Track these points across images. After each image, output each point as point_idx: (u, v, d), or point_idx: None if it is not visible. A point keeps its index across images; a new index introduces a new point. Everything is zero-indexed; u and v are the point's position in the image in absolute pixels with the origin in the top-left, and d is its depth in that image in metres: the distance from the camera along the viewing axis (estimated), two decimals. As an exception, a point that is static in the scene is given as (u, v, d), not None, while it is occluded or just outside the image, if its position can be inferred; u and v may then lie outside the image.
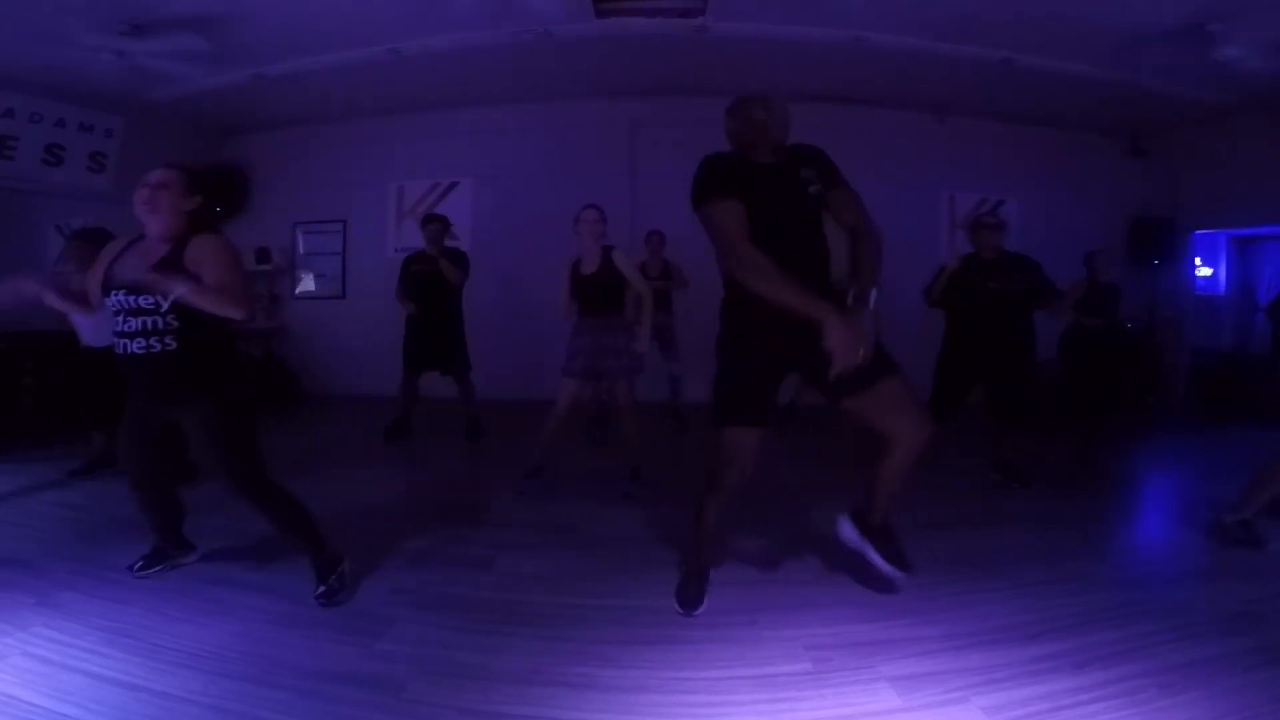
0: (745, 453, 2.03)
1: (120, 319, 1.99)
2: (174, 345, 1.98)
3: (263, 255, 6.48)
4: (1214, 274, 6.77)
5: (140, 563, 2.33)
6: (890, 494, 2.12)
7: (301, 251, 6.79)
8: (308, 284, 6.81)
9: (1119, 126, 6.27)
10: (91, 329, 3.44)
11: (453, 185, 6.49)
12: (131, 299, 1.96)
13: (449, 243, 4.63)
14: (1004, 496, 3.36)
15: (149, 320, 1.96)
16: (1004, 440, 3.52)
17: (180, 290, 1.87)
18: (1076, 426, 4.82)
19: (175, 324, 1.97)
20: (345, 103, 5.99)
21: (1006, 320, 3.37)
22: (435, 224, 4.50)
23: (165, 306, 1.95)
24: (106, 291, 2.00)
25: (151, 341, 1.96)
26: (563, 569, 2.48)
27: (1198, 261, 6.47)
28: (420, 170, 6.52)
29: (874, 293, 1.89)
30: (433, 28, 4.48)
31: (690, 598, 2.17)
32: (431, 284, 4.35)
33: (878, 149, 6.21)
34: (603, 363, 3.28)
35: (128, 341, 1.98)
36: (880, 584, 2.25)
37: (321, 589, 2.17)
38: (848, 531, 2.24)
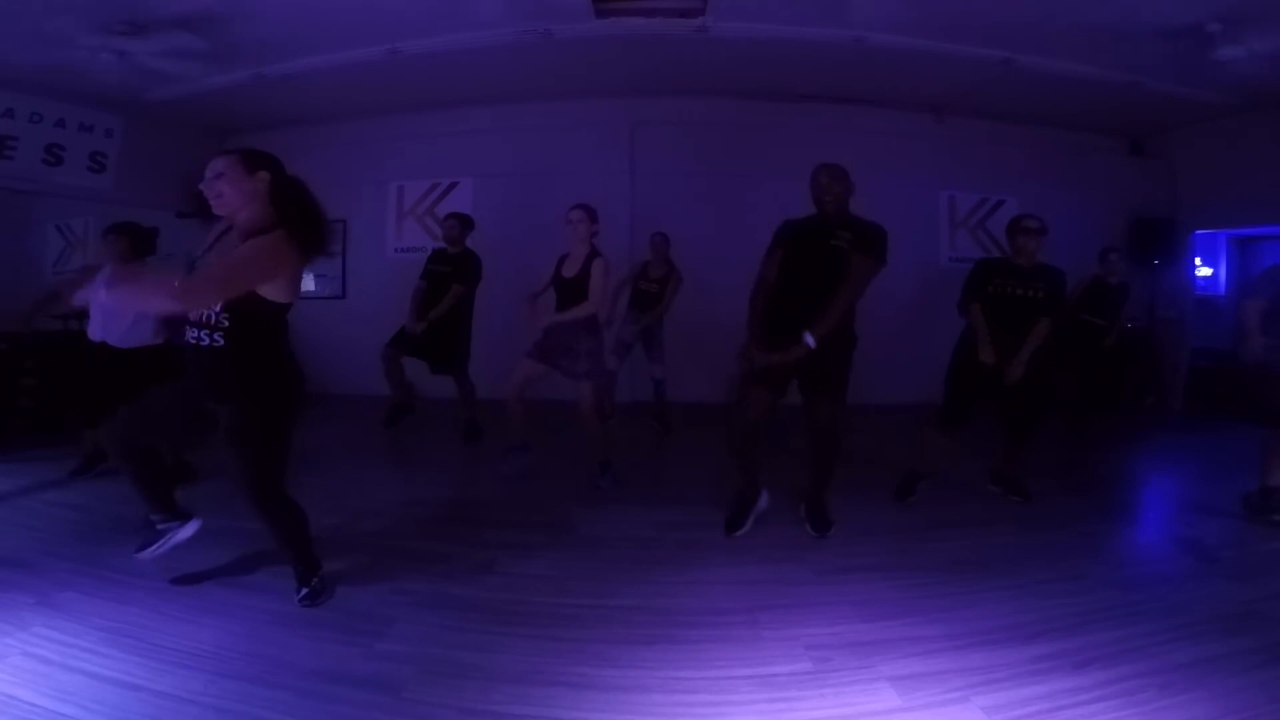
0: (760, 404, 2.75)
1: None
2: (222, 342, 1.94)
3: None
4: (1214, 274, 6.78)
5: (138, 545, 2.23)
6: (814, 480, 2.90)
7: (301, 251, 6.78)
8: (308, 284, 6.81)
9: (1119, 126, 6.27)
10: (101, 325, 3.44)
11: (453, 185, 6.49)
12: None
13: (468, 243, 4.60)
14: (1004, 498, 3.36)
15: (203, 314, 1.94)
16: (1009, 455, 3.39)
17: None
18: (1072, 426, 4.84)
19: (226, 322, 1.93)
20: (345, 103, 5.98)
21: (1023, 330, 3.16)
22: (452, 220, 4.49)
23: (218, 304, 1.93)
24: None
25: (202, 335, 1.94)
26: (563, 569, 2.48)
27: (1198, 261, 6.48)
28: (420, 170, 6.50)
29: (808, 336, 2.56)
30: (433, 28, 4.48)
31: (734, 522, 2.85)
32: (444, 285, 4.34)
33: (878, 149, 6.21)
34: (562, 360, 3.35)
35: (191, 329, 1.97)
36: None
37: (304, 591, 2.16)
38: (803, 510, 2.93)
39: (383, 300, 5.67)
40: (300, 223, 2.00)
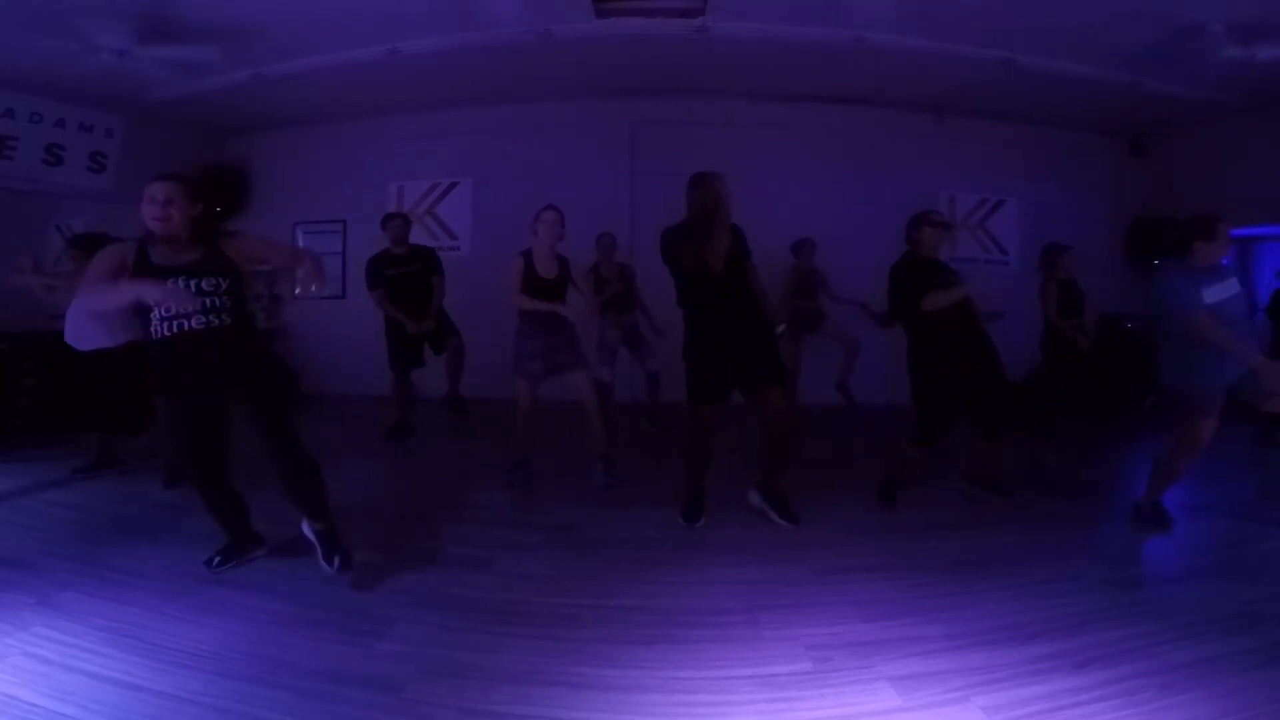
0: (709, 420, 2.89)
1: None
2: (229, 321, 2.18)
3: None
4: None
5: (216, 558, 2.40)
6: (774, 468, 2.96)
7: (302, 251, 6.80)
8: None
9: (1119, 126, 6.27)
10: (73, 329, 3.43)
11: (453, 185, 6.49)
12: (194, 282, 2.14)
13: (413, 241, 4.60)
14: (1003, 500, 3.34)
15: (209, 300, 2.15)
16: (980, 453, 3.33)
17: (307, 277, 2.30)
18: (1070, 427, 4.83)
19: (229, 303, 2.19)
20: (345, 103, 5.98)
21: (977, 322, 3.13)
22: (398, 220, 4.46)
23: (224, 288, 2.18)
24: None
25: (211, 318, 2.15)
26: (562, 569, 2.48)
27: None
28: (420, 170, 6.51)
29: (780, 326, 3.06)
30: (433, 28, 4.48)
31: (692, 512, 2.96)
32: (414, 286, 4.31)
33: (878, 149, 6.23)
34: (555, 359, 3.41)
35: (185, 321, 2.12)
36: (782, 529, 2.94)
37: (337, 559, 2.31)
38: (754, 498, 3.03)
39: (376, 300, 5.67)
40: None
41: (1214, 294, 2.73)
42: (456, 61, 5.00)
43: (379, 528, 2.88)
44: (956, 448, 3.60)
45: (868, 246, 5.71)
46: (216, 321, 2.15)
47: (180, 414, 2.24)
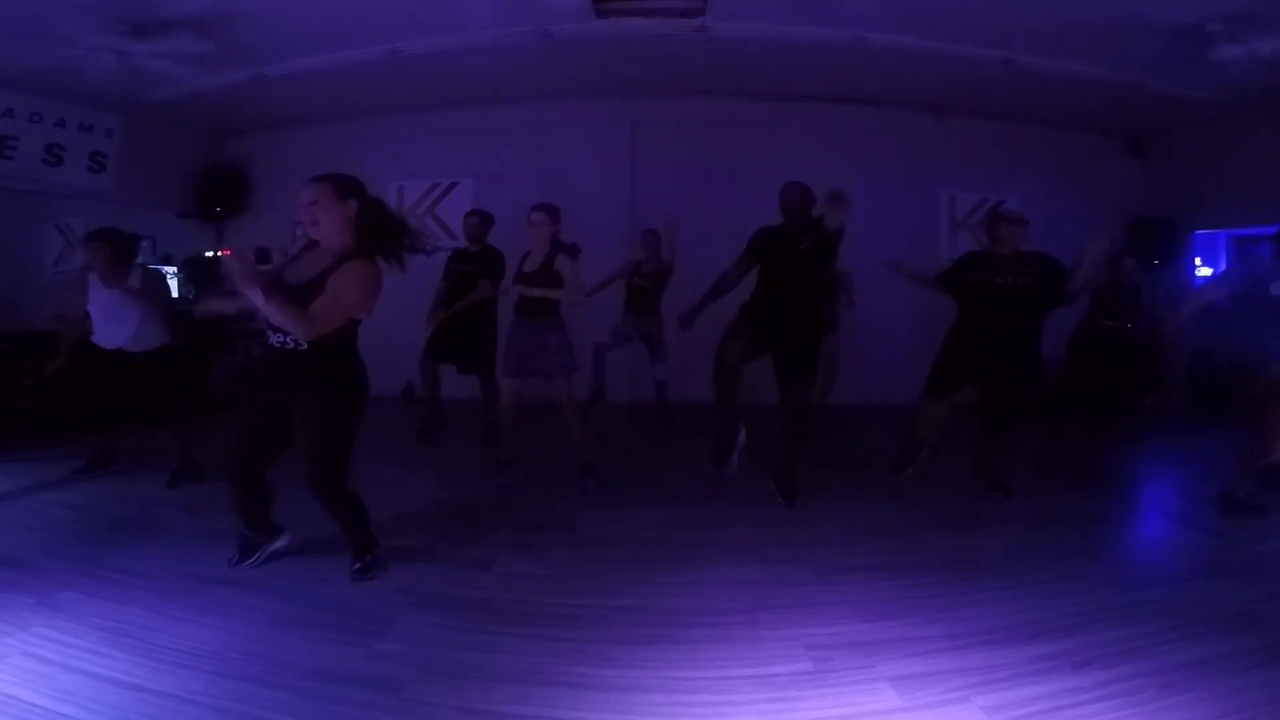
0: (736, 350, 3.12)
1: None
2: (304, 347, 2.14)
3: (263, 255, 6.43)
4: (1214, 274, 6.76)
5: (236, 556, 2.40)
6: (786, 450, 3.20)
7: (302, 251, 6.78)
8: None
9: (1119, 126, 6.26)
10: (104, 328, 3.44)
11: (453, 185, 6.48)
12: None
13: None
14: (1003, 497, 3.35)
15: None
16: (989, 448, 3.39)
17: (254, 295, 1.99)
18: (1078, 425, 4.84)
19: None
20: (345, 103, 5.97)
21: (1013, 319, 3.16)
22: (474, 217, 4.40)
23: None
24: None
25: (287, 339, 2.15)
26: (562, 569, 2.48)
27: (1198, 261, 6.47)
28: (420, 170, 6.50)
29: None
30: (433, 28, 4.48)
31: (720, 454, 3.20)
32: (469, 284, 4.24)
33: (878, 149, 6.22)
34: (535, 362, 3.37)
35: (271, 333, 2.19)
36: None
37: (358, 565, 2.32)
38: (772, 485, 3.22)
39: (383, 299, 5.65)
40: (383, 242, 2.25)
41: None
42: (457, 61, 5.00)
43: (380, 527, 2.87)
44: (959, 450, 3.61)
45: (868, 246, 5.71)
46: (290, 343, 2.14)
47: (246, 406, 2.32)
